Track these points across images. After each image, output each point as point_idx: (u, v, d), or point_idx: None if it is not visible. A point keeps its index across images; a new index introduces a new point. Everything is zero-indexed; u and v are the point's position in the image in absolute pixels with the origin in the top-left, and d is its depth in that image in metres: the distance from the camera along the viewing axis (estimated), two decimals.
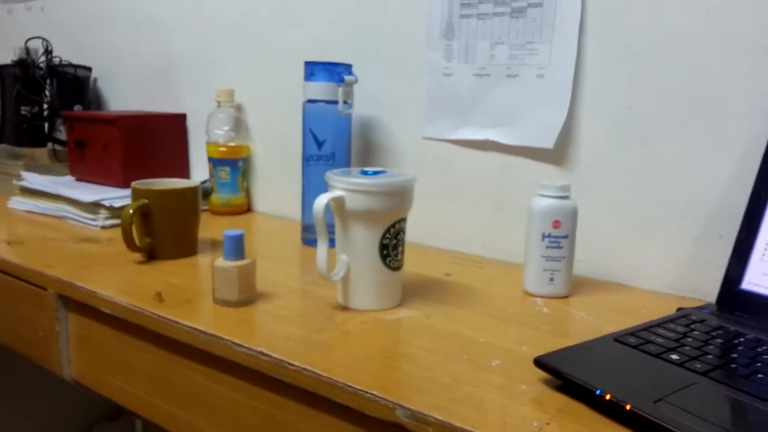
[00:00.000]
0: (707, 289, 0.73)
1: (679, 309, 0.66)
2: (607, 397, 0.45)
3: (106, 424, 1.48)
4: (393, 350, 0.57)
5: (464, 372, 0.53)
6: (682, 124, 0.73)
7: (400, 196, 0.65)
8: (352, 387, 0.50)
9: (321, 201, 0.63)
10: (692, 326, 0.58)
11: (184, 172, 1.24)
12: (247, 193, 1.16)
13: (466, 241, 0.91)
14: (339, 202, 0.64)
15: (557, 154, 0.81)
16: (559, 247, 0.71)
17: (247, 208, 1.16)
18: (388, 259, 0.66)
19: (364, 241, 0.65)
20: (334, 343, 0.59)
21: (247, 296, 0.67)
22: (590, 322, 0.66)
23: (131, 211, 0.78)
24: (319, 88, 0.89)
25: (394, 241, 0.66)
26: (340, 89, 0.88)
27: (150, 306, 0.66)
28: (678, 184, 0.74)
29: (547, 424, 0.45)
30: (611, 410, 0.46)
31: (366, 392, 0.49)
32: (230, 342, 0.58)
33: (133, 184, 0.83)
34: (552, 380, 0.52)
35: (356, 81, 0.89)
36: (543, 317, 0.67)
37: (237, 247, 0.66)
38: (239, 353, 0.57)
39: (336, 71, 0.89)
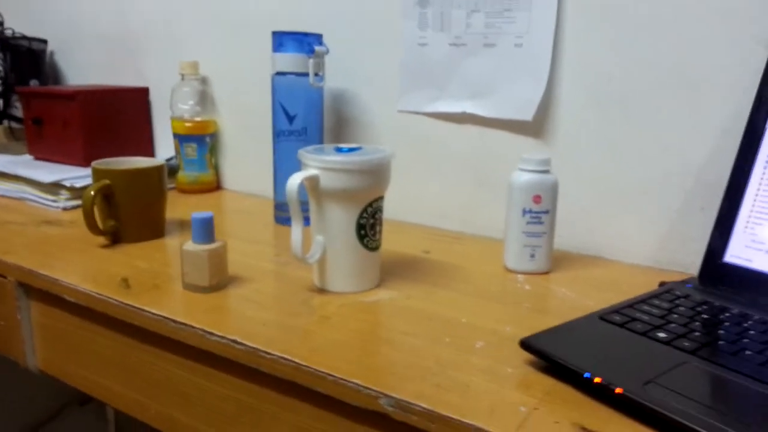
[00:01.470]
0: (688, 261, 0.73)
1: (661, 283, 0.65)
2: (596, 380, 0.44)
3: (75, 408, 1.45)
4: (373, 334, 0.55)
5: (448, 356, 0.51)
6: (664, 95, 0.71)
7: (378, 173, 0.62)
8: (332, 376, 0.48)
9: (294, 181, 0.60)
10: (677, 302, 0.57)
11: (148, 149, 1.20)
12: (216, 170, 1.12)
13: (444, 217, 0.89)
14: (313, 181, 0.61)
15: (536, 126, 0.79)
16: (540, 223, 0.69)
17: (216, 186, 1.12)
18: (366, 239, 0.63)
19: (341, 221, 0.62)
20: (311, 328, 0.56)
21: (219, 281, 0.64)
22: (572, 298, 0.65)
23: (92, 193, 0.74)
24: (289, 60, 0.86)
25: (372, 221, 0.63)
26: (311, 60, 0.84)
27: (116, 293, 0.63)
28: (659, 157, 0.73)
29: (536, 409, 0.44)
30: (600, 393, 0.45)
31: (348, 381, 0.47)
32: (202, 330, 0.55)
33: (94, 164, 0.78)
34: (538, 361, 0.50)
35: (327, 52, 0.85)
36: (525, 294, 0.65)
37: (206, 229, 0.63)
38: (212, 342, 0.55)
39: (306, 41, 0.85)
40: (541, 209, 0.69)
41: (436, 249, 0.80)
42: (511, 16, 0.78)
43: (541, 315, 0.60)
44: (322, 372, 0.49)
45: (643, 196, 0.74)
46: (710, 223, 0.69)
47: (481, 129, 0.84)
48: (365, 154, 0.63)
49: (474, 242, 0.84)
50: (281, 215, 0.91)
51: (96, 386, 0.69)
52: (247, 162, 1.09)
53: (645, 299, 0.58)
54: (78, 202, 0.95)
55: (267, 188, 1.05)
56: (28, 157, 1.15)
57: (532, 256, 0.70)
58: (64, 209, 0.94)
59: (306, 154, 0.62)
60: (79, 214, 0.91)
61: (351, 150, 0.64)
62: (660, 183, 0.73)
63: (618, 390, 0.43)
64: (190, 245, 0.63)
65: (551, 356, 0.47)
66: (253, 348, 0.52)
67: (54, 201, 0.95)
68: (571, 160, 0.78)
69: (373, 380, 0.47)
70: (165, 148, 1.19)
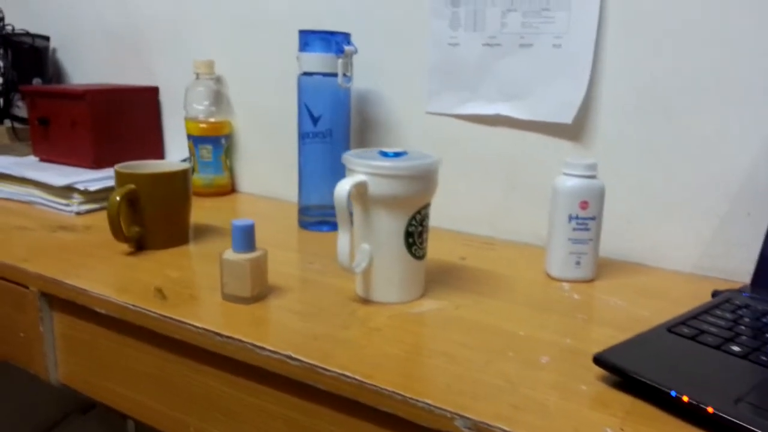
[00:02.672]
0: (731, 268, 0.71)
1: (714, 292, 0.64)
2: (685, 399, 0.42)
3: (77, 417, 1.40)
4: (430, 348, 0.53)
5: (515, 372, 0.49)
6: (708, 98, 0.70)
7: (428, 179, 0.60)
8: (400, 394, 0.45)
9: (343, 187, 0.57)
10: (739, 312, 0.56)
11: (158, 150, 1.16)
12: (231, 172, 1.08)
13: (474, 222, 0.87)
14: (361, 187, 0.58)
15: (574, 129, 0.77)
16: (587, 230, 0.67)
17: (231, 189, 1.09)
18: (414, 247, 0.61)
19: (389, 229, 0.60)
20: (364, 342, 0.54)
21: (260, 291, 0.62)
22: (624, 308, 0.63)
23: (118, 198, 0.71)
24: (316, 60, 0.83)
25: (420, 228, 0.61)
26: (340, 61, 0.82)
27: (152, 304, 0.60)
28: (703, 161, 0.71)
29: (621, 429, 0.42)
30: (687, 412, 0.43)
31: (418, 400, 0.45)
32: (252, 345, 0.53)
33: (117, 167, 0.75)
34: (609, 377, 0.48)
35: (356, 51, 0.83)
36: (576, 304, 0.63)
37: (248, 237, 0.60)
38: (263, 357, 0.52)
39: (334, 41, 0.83)
40: (588, 215, 0.67)
41: (471, 255, 0.78)
42: (549, 15, 0.76)
43: (598, 326, 0.58)
44: (388, 390, 0.46)
45: (686, 201, 0.73)
46: (757, 228, 0.68)
47: (515, 132, 0.82)
48: (414, 159, 0.60)
49: (507, 248, 0.82)
50: (306, 220, 0.88)
51: (127, 401, 0.66)
52: (263, 164, 1.06)
53: (707, 310, 0.56)
54: (91, 206, 0.92)
55: (285, 191, 1.03)
56: (32, 159, 1.11)
57: (578, 263, 0.68)
58: (78, 214, 0.91)
59: (352, 158, 0.60)
60: (93, 219, 0.88)
61: (397, 155, 0.61)
62: (704, 188, 0.72)
63: (710, 409, 0.41)
64: (230, 254, 0.60)
65: (631, 373, 0.45)
66: (310, 364, 0.50)
67: (66, 205, 0.91)
68: (611, 164, 0.76)
69: (443, 399, 0.45)
70: (175, 150, 1.15)
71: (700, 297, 0.64)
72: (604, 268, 0.73)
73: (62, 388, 0.72)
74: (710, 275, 0.73)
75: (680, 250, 0.74)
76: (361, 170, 0.59)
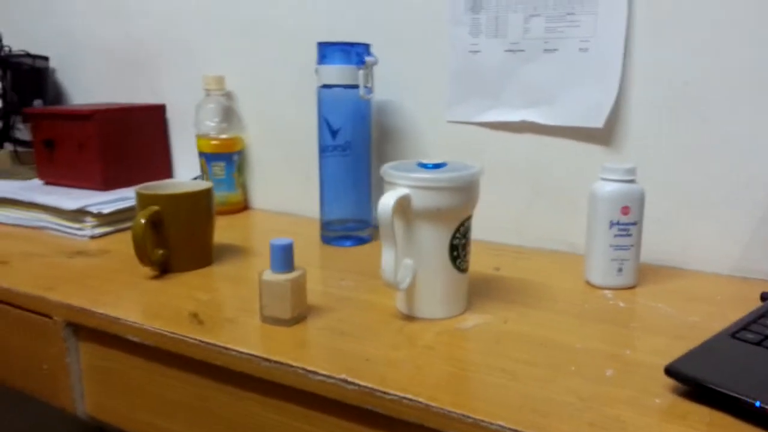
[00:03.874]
0: None
1: (764, 295, 0.62)
2: None
3: None
4: (489, 365, 0.51)
5: (582, 387, 0.47)
6: (743, 98, 0.69)
7: (471, 190, 0.58)
8: (472, 417, 0.43)
9: (388, 202, 0.55)
10: None
11: (166, 169, 1.13)
12: (244, 189, 1.06)
13: (500, 231, 0.86)
14: (404, 201, 0.56)
15: (604, 133, 0.76)
16: (629, 235, 0.66)
17: (244, 206, 1.07)
18: (458, 260, 0.59)
19: (433, 242, 0.58)
20: (419, 361, 0.52)
21: (300, 312, 0.59)
22: (673, 314, 0.61)
23: (143, 221, 0.68)
24: (336, 72, 0.81)
25: (464, 241, 0.59)
26: (361, 72, 0.80)
27: (189, 330, 0.57)
28: (738, 163, 0.70)
29: None
30: None
31: (491, 423, 0.43)
32: (303, 369, 0.50)
33: (138, 189, 0.73)
34: (678, 387, 0.47)
35: (377, 62, 0.81)
36: (624, 313, 0.62)
37: (287, 257, 0.58)
38: (315, 382, 0.50)
39: (354, 52, 0.81)
40: (629, 221, 0.66)
41: (504, 265, 0.76)
42: (574, 19, 0.75)
43: (652, 335, 0.57)
44: (457, 413, 0.44)
45: (722, 203, 0.72)
46: None
47: (541, 138, 0.80)
48: (456, 170, 0.58)
49: (539, 256, 0.80)
50: (329, 235, 0.86)
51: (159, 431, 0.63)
52: (277, 179, 1.03)
53: (764, 313, 0.55)
54: (105, 229, 0.89)
55: (301, 206, 1.01)
56: (37, 182, 1.07)
57: (620, 270, 0.67)
58: (92, 237, 0.88)
59: (393, 171, 0.58)
60: (109, 243, 0.86)
61: (436, 166, 0.60)
62: (740, 189, 0.70)
63: None
64: (269, 275, 0.58)
65: (708, 384, 0.44)
66: (368, 388, 0.48)
67: (79, 229, 0.89)
68: (644, 168, 0.74)
69: (516, 420, 0.43)
70: (183, 168, 1.13)
71: (746, 300, 0.63)
72: (643, 273, 0.72)
73: (88, 419, 0.69)
74: (750, 277, 0.71)
75: (718, 253, 0.73)
76: (402, 183, 0.57)
